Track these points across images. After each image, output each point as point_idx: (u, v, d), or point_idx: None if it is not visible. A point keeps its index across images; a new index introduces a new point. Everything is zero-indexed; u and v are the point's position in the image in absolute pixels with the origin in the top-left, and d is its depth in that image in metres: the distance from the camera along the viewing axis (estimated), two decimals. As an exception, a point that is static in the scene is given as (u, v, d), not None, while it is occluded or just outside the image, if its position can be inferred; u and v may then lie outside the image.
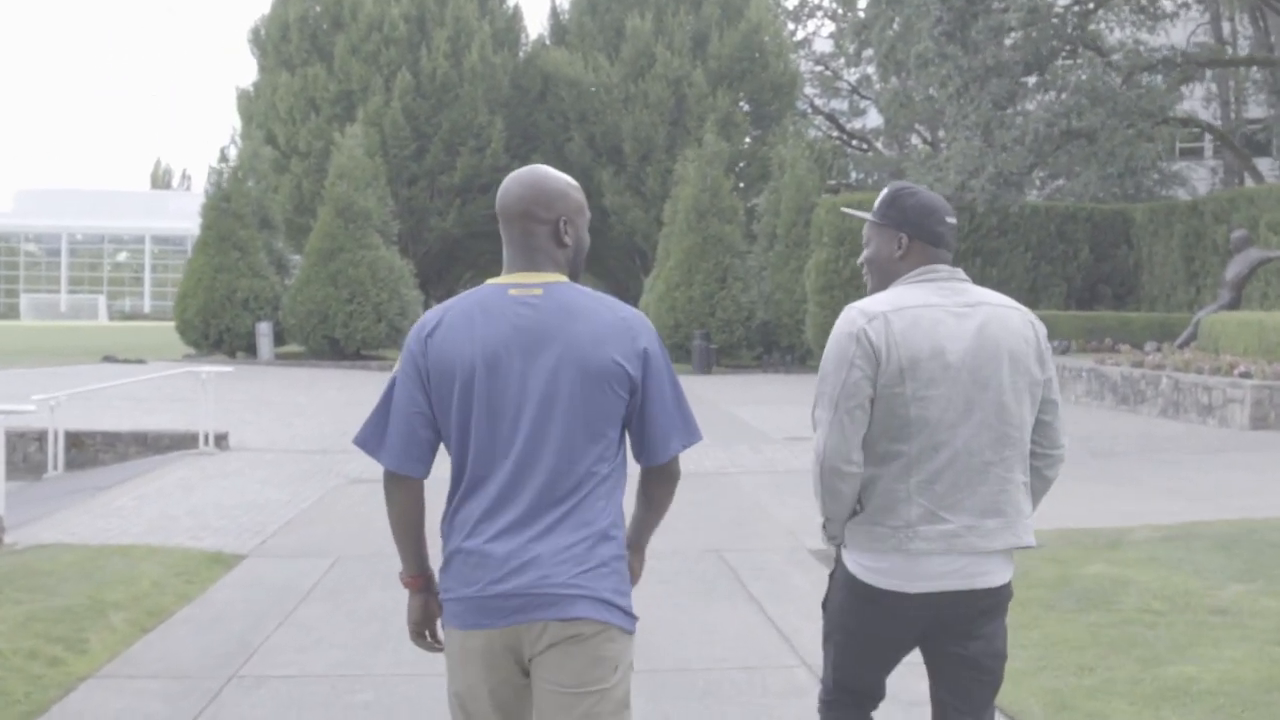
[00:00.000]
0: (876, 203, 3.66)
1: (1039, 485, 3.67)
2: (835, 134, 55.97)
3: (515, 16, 44.44)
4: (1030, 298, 33.61)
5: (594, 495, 3.13)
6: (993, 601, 3.53)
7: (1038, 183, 34.75)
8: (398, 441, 3.20)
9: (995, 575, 3.48)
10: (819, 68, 56.36)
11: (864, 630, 3.60)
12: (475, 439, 3.13)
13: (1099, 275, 34.60)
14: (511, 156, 40.57)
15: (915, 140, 59.46)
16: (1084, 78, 28.33)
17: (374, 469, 13.48)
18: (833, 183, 44.28)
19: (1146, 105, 28.06)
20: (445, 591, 3.19)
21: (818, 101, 57.42)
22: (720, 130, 37.05)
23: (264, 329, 33.75)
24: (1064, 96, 27.77)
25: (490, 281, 3.25)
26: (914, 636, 3.59)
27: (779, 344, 33.93)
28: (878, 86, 57.48)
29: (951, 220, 3.59)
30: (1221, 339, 21.32)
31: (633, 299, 40.32)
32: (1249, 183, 36.67)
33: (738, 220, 36.03)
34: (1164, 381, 19.37)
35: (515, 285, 3.18)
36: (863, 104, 59.16)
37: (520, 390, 3.11)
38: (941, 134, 57.48)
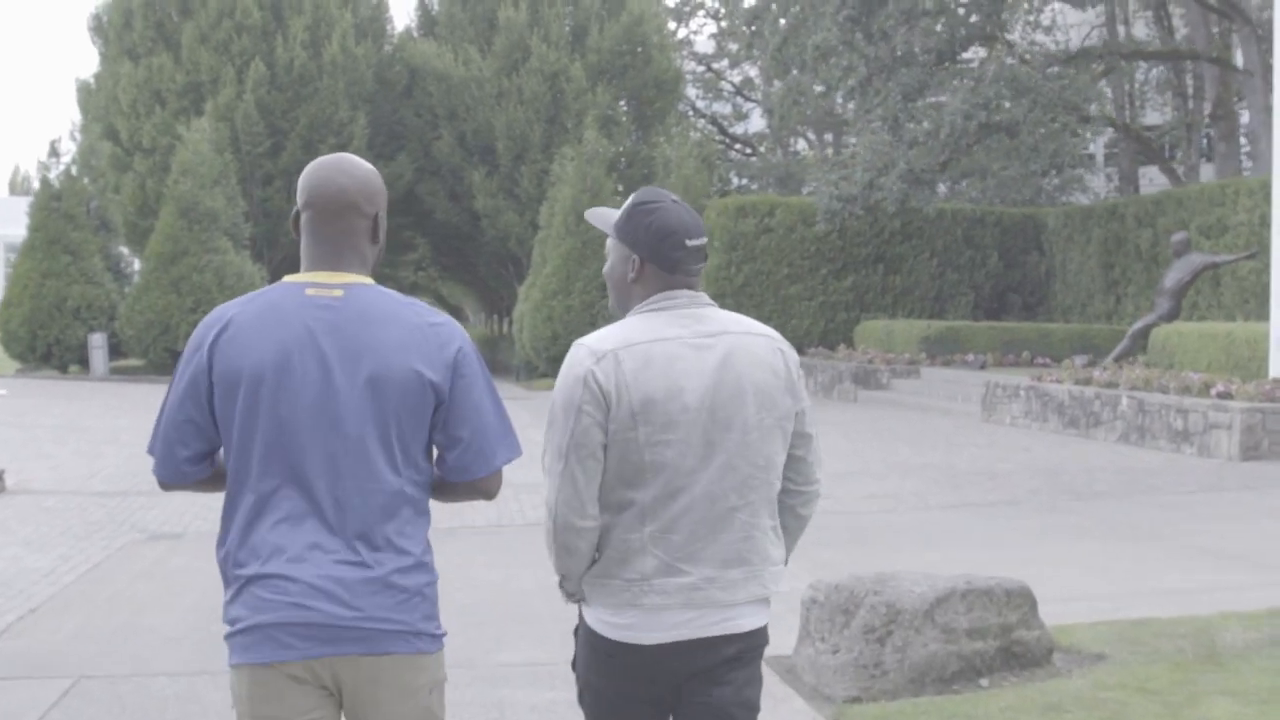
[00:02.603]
0: (619, 212, 3.34)
1: (793, 525, 3.42)
2: (719, 138, 53.64)
3: (380, 6, 41.12)
4: (936, 307, 31.44)
5: (400, 518, 2.93)
6: (741, 647, 3.24)
7: (945, 184, 32.45)
8: (163, 450, 2.98)
9: (742, 621, 3.23)
10: (700, 68, 54.12)
11: (612, 688, 3.28)
12: (261, 455, 2.87)
13: (1008, 283, 32.48)
14: (375, 155, 37.37)
15: (802, 145, 57.70)
16: (1007, 64, 26.02)
17: (178, 519, 10.39)
18: (720, 186, 41.81)
19: (1071, 97, 25.81)
20: (234, 623, 2.88)
21: (699, 104, 55.28)
22: (601, 128, 34.36)
23: (97, 340, 30.26)
24: (980, 87, 25.38)
25: (286, 279, 3.00)
26: (666, 690, 3.26)
27: (666, 357, 31.31)
28: (762, 90, 55.62)
29: (694, 242, 3.25)
30: (1178, 353, 18.94)
31: (505, 308, 37.48)
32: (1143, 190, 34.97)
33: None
34: (1124, 402, 16.89)
35: (313, 285, 2.94)
36: (746, 107, 57.27)
37: (315, 402, 2.87)
38: (829, 137, 55.81)
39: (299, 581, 2.82)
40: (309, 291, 2.93)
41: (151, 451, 3.01)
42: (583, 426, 3.13)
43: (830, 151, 45.36)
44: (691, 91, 52.24)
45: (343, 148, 36.72)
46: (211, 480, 3.05)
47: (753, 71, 56.35)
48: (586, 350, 3.18)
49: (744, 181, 51.35)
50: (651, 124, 40.22)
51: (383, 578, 2.86)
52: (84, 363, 31.05)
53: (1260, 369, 16.96)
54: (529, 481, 12.45)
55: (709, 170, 36.04)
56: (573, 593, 3.33)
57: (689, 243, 3.25)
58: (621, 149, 38.89)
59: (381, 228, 3.06)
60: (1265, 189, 24.98)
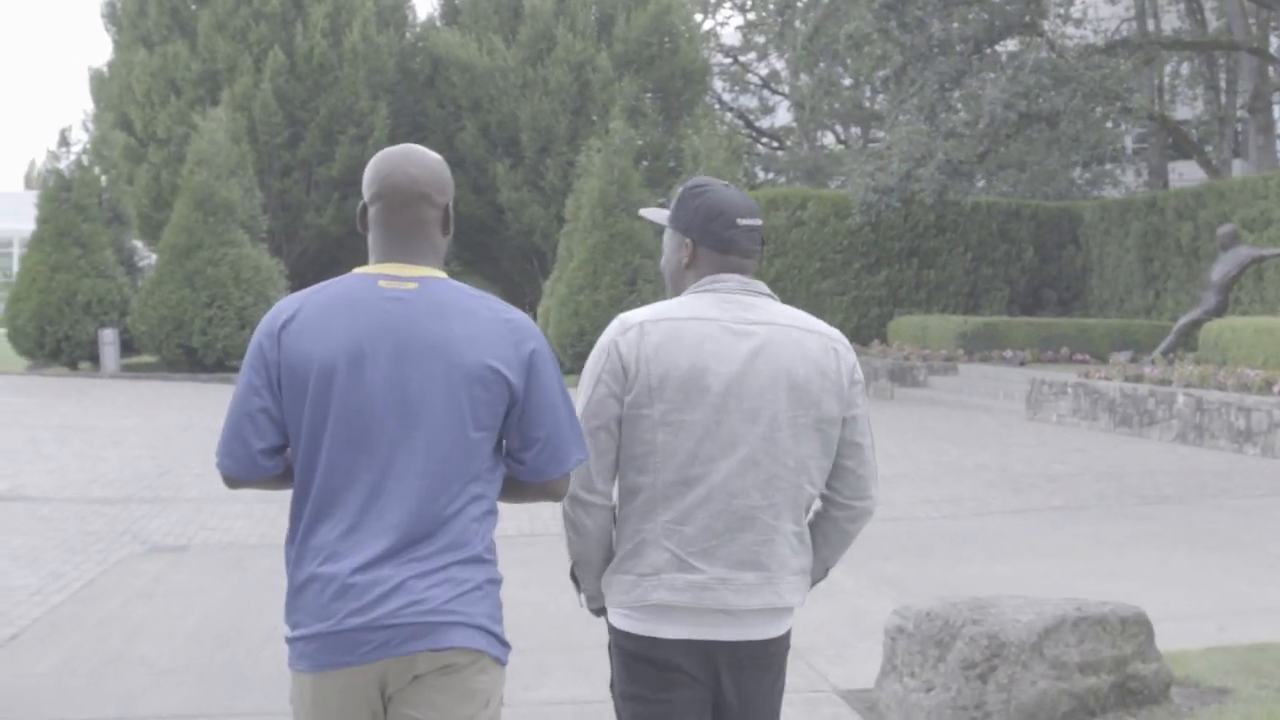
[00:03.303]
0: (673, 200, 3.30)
1: (837, 539, 3.26)
2: (745, 131, 52.84)
3: (402, -7, 40.44)
4: (970, 302, 30.63)
5: (466, 516, 2.83)
6: (763, 652, 3.12)
7: (982, 177, 31.58)
8: (233, 442, 2.85)
9: (763, 630, 3.11)
10: (727, 60, 53.34)
11: (650, 694, 3.08)
12: (330, 449, 2.81)
13: (1044, 278, 31.62)
14: (397, 146, 36.73)
15: (830, 139, 56.91)
16: (1043, 55, 25.18)
17: (183, 530, 9.63)
18: (747, 180, 40.99)
19: (1113, 86, 24.96)
20: (295, 628, 2.80)
21: (725, 97, 54.52)
22: (628, 120, 33.56)
23: (108, 336, 29.36)
24: (1021, 76, 24.55)
25: (357, 271, 2.94)
26: (703, 695, 3.08)
27: (694, 353, 30.55)
28: (789, 83, 54.85)
29: (747, 222, 3.15)
30: (1232, 348, 18.10)
31: (530, 304, 36.75)
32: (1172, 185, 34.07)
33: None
34: (1180, 400, 16.08)
35: (386, 277, 2.88)
36: (773, 100, 56.52)
37: (386, 396, 2.80)
38: (856, 131, 55.02)
39: (358, 583, 2.74)
40: (382, 284, 2.87)
41: (221, 449, 2.89)
42: (598, 396, 3.05)
43: (860, 145, 44.51)
44: (718, 84, 51.47)
45: (363, 139, 36.09)
46: (284, 478, 2.93)
47: (779, 64, 55.62)
48: (619, 322, 3.12)
49: (770, 176, 50.58)
50: (679, 116, 39.33)
51: (439, 570, 2.78)
52: (94, 359, 30.10)
53: (1325, 366, 16.14)
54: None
55: (738, 162, 35.25)
56: (592, 596, 3.23)
57: (740, 221, 3.16)
58: (647, 141, 38.10)
59: (451, 219, 3.01)
60: (1314, 181, 24.25)
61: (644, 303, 22.09)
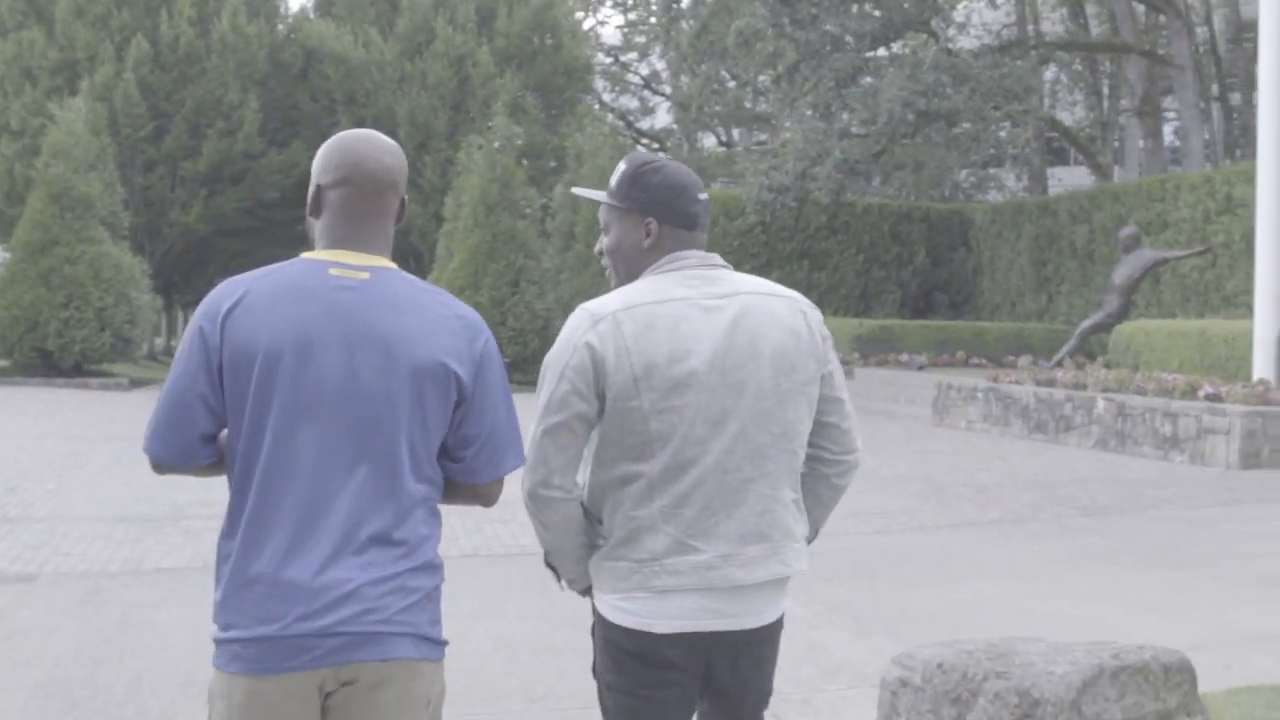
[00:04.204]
0: (614, 180, 3.15)
1: (827, 495, 3.23)
2: (626, 132, 52.00)
3: (274, -18, 38.96)
4: (862, 305, 30.05)
5: (415, 518, 2.75)
6: (759, 639, 3.06)
7: (878, 177, 30.99)
8: (168, 429, 2.72)
9: (763, 613, 3.03)
10: (608, 59, 52.50)
11: (631, 685, 3.01)
12: (273, 441, 2.67)
13: (935, 281, 31.16)
14: (268, 142, 35.18)
15: (711, 141, 56.35)
16: (941, 54, 24.61)
17: (30, 556, 7.63)
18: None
19: (1011, 86, 24.48)
20: (229, 629, 2.66)
21: (606, 97, 53.68)
22: (510, 116, 32.48)
23: (-45, 339, 27.53)
24: (920, 74, 23.96)
25: (305, 256, 2.82)
26: (689, 689, 3.04)
27: (579, 358, 29.52)
28: (670, 84, 54.21)
29: (703, 197, 3.11)
30: (1145, 352, 17.60)
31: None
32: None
33: (533, 215, 31.68)
34: (1100, 406, 15.44)
35: (338, 265, 2.77)
36: (653, 102, 55.84)
37: (335, 388, 2.69)
38: (738, 133, 54.49)
39: (305, 586, 2.63)
40: (333, 271, 2.78)
41: (153, 434, 2.75)
42: (560, 393, 2.95)
43: (743, 147, 43.93)
44: (598, 84, 50.60)
45: (232, 133, 34.61)
46: (216, 465, 2.81)
47: (660, 65, 54.95)
48: (586, 314, 3.00)
49: (649, 178, 49.74)
50: (561, 114, 38.37)
51: (392, 578, 2.69)
52: (-57, 364, 28.38)
53: (1240, 369, 15.63)
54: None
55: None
56: (572, 580, 3.13)
57: (700, 196, 3.13)
58: (529, 139, 37.03)
59: (405, 209, 2.94)
60: (1209, 184, 23.95)
61: (527, 304, 20.76)
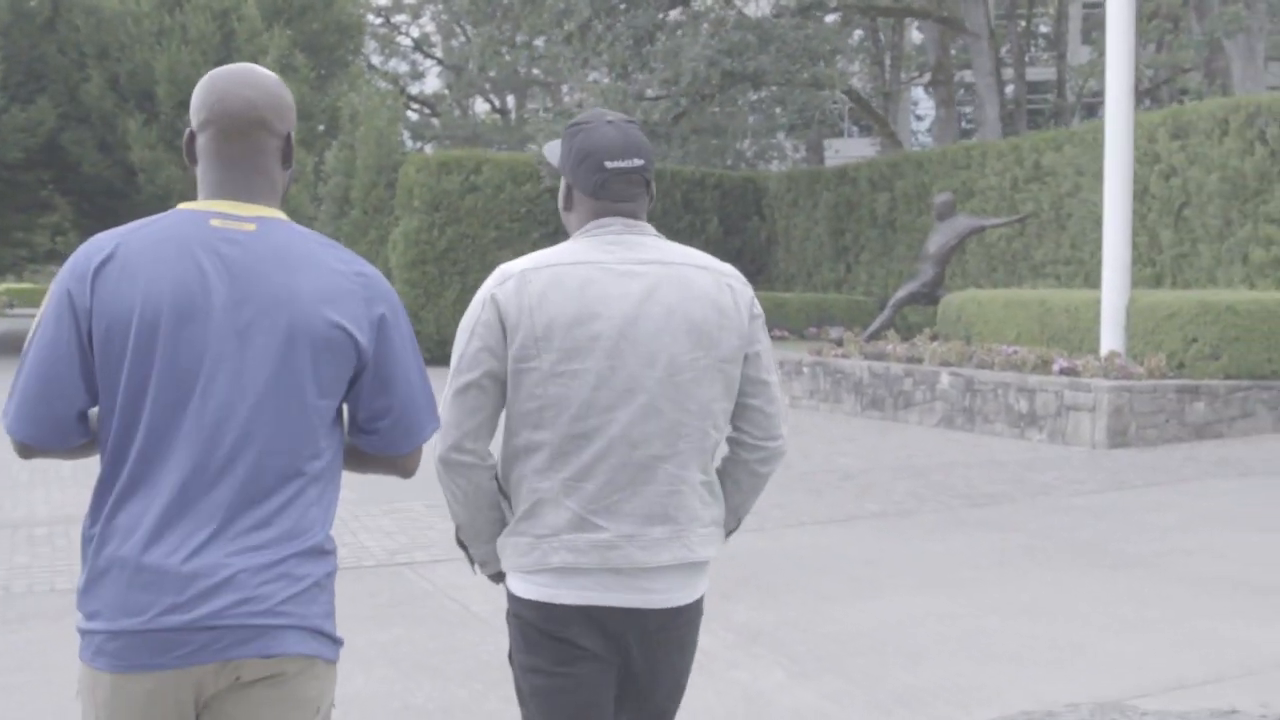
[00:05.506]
0: None
1: (748, 483, 3.05)
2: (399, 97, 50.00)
3: (14, -73, 35.67)
4: (655, 277, 28.89)
5: (304, 497, 2.48)
6: (672, 621, 2.87)
7: (679, 140, 29.76)
8: (35, 405, 2.44)
9: (672, 596, 2.85)
10: (377, 21, 50.33)
11: (551, 666, 2.84)
12: (151, 413, 2.41)
13: (728, 251, 30.17)
14: (10, 97, 32.14)
15: (484, 107, 54.73)
16: (744, 14, 23.54)
17: None
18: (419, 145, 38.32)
19: (817, 47, 23.56)
20: (93, 619, 2.40)
21: (375, 60, 51.55)
22: (281, 74, 30.31)
23: None
24: (724, 33, 22.84)
25: (183, 207, 2.55)
26: (606, 664, 2.85)
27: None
28: (442, 46, 52.43)
29: (617, 164, 2.85)
30: (977, 323, 16.79)
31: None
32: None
33: (305, 180, 29.69)
34: (945, 381, 14.50)
35: (219, 215, 2.51)
36: (424, 65, 53.99)
37: (217, 353, 2.43)
38: (511, 100, 52.93)
39: (176, 572, 2.35)
40: (214, 223, 2.50)
41: (16, 413, 2.47)
42: (471, 350, 2.83)
43: (538, 110, 42.46)
44: (367, 47, 48.45)
45: (-32, 87, 31.50)
46: (89, 446, 2.54)
47: (431, 28, 53.04)
48: (498, 271, 2.90)
49: (419, 146, 47.90)
50: (332, 73, 36.23)
51: (276, 564, 2.41)
52: None
53: (1084, 341, 14.91)
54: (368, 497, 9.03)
55: (399, 124, 32.52)
56: (483, 561, 2.98)
57: (608, 164, 2.88)
58: (299, 98, 34.83)
59: (293, 150, 2.63)
60: (1016, 151, 23.44)
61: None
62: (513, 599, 2.89)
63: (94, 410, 2.50)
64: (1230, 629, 6.36)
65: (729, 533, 3.07)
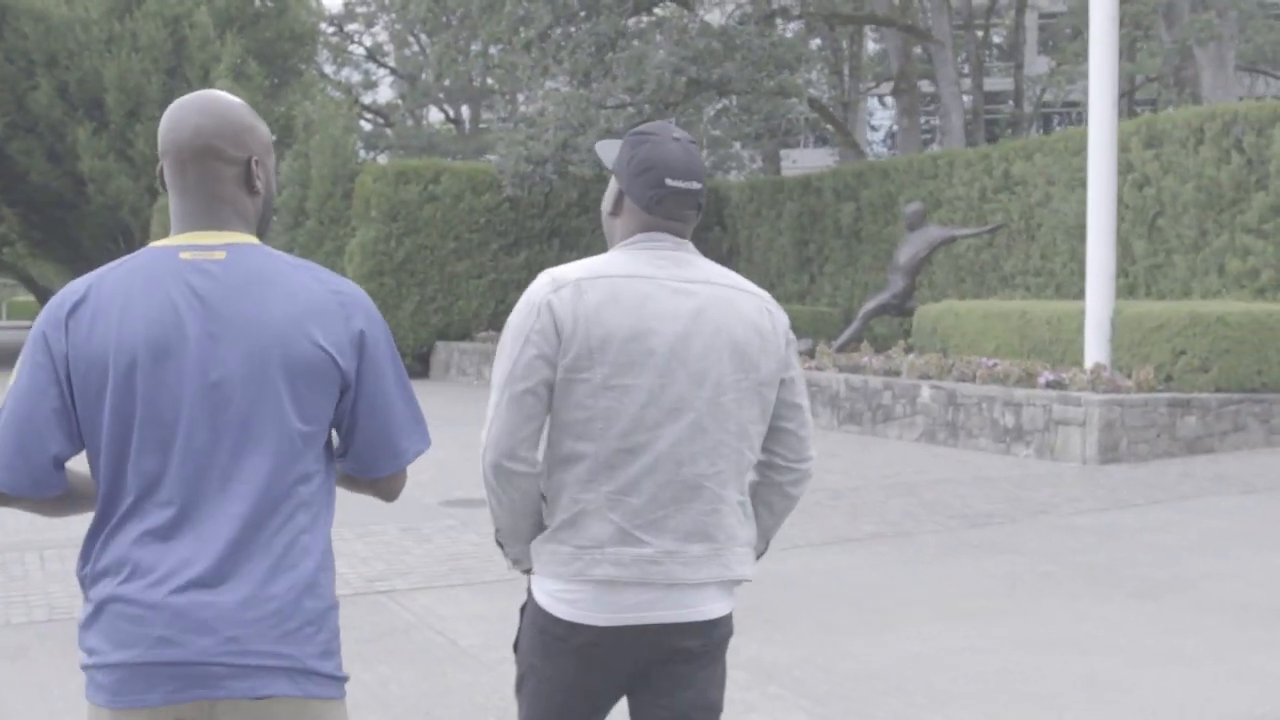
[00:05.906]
0: None
1: (780, 505, 3.04)
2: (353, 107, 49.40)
3: (-42, -68, 34.90)
4: (616, 288, 28.46)
5: (294, 526, 2.42)
6: (704, 641, 2.85)
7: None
8: (13, 453, 2.40)
9: (705, 608, 2.83)
10: (330, 29, 49.70)
11: (558, 676, 2.85)
12: (138, 451, 2.39)
13: (691, 263, 29.82)
14: (-46, 107, 31.47)
15: (437, 117, 54.18)
16: (708, 23, 23.16)
17: None
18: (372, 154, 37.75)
19: (783, 55, 23.20)
20: (91, 655, 2.39)
21: (328, 69, 50.92)
22: (233, 81, 29.76)
23: None
24: (689, 41, 22.44)
25: (155, 244, 2.51)
26: (617, 684, 2.88)
27: (314, 342, 27.23)
28: (395, 55, 51.91)
29: (677, 183, 2.86)
30: (954, 335, 16.45)
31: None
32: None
33: (259, 190, 29.14)
34: (926, 394, 14.13)
35: (189, 247, 2.47)
36: (376, 75, 53.42)
37: (196, 386, 2.40)
38: (466, 110, 52.40)
39: (167, 608, 2.32)
40: (184, 255, 2.46)
41: None
42: (526, 358, 2.78)
43: (500, 119, 41.98)
44: (320, 55, 47.85)
45: (-89, 95, 30.76)
46: (62, 501, 2.52)
47: (384, 36, 52.47)
48: (549, 277, 2.85)
49: (373, 156, 47.33)
50: (285, 82, 35.66)
51: (268, 599, 2.35)
52: None
53: (1067, 353, 14.58)
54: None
55: (354, 133, 31.96)
56: (517, 559, 2.96)
57: (669, 182, 2.87)
58: (252, 106, 34.22)
59: (262, 176, 2.55)
60: (985, 160, 23.13)
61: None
62: (539, 610, 2.85)
63: (70, 461, 2.48)
64: (1274, 663, 5.98)
65: (759, 555, 3.06)
